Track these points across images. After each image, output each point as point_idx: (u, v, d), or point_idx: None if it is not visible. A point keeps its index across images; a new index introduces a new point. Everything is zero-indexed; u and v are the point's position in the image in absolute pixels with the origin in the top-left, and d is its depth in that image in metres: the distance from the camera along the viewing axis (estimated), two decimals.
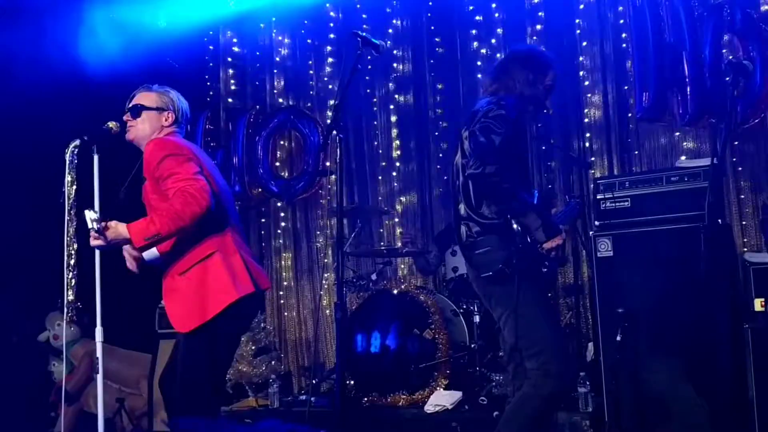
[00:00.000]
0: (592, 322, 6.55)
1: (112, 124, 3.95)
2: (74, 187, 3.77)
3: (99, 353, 3.83)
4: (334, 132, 3.85)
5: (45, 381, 8.11)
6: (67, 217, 3.77)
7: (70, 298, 3.83)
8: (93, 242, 3.63)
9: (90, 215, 3.51)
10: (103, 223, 3.55)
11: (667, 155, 6.70)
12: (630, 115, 6.89)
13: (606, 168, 6.92)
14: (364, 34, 4.07)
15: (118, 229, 3.62)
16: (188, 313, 3.78)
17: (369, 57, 4.26)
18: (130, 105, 4.04)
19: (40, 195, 7.55)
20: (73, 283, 3.79)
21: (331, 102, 8.21)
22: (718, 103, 6.16)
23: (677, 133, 6.66)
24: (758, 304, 4.55)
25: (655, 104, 6.42)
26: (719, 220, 4.71)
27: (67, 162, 3.76)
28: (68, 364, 8.02)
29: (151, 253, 3.78)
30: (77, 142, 3.78)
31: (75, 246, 3.86)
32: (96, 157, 3.75)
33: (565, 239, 3.87)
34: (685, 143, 6.60)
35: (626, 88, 6.93)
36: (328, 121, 7.78)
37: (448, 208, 7.37)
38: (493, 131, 3.75)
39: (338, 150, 3.75)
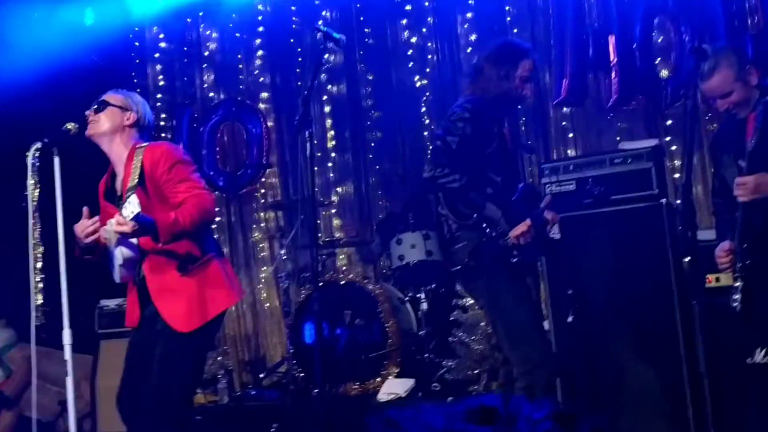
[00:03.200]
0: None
1: (70, 126, 3.89)
2: (37, 190, 3.71)
3: (68, 355, 3.74)
4: (307, 132, 3.81)
5: None
6: (31, 221, 3.70)
7: (39, 301, 3.77)
8: (118, 228, 3.57)
9: (134, 200, 3.60)
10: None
11: (601, 135, 6.82)
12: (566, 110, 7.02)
13: (542, 152, 7.00)
14: (324, 29, 4.10)
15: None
16: (190, 313, 3.84)
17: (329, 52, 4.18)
18: (98, 101, 4.05)
19: None
20: (40, 287, 3.73)
21: (264, 95, 8.23)
22: (647, 84, 6.38)
23: (610, 115, 6.79)
24: (707, 280, 4.68)
25: (574, 89, 6.59)
26: (664, 200, 4.85)
27: (29, 165, 3.69)
28: (5, 369, 7.86)
29: (129, 253, 3.75)
30: (38, 145, 3.70)
31: (41, 249, 3.79)
32: (57, 159, 3.68)
33: (531, 225, 3.91)
34: (619, 124, 6.72)
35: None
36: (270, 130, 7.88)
37: (388, 197, 7.46)
38: (450, 133, 3.91)
39: (308, 145, 3.74)
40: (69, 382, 3.76)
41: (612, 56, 6.52)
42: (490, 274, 3.87)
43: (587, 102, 6.79)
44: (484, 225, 3.88)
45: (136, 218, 3.57)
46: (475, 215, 3.91)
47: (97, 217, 3.85)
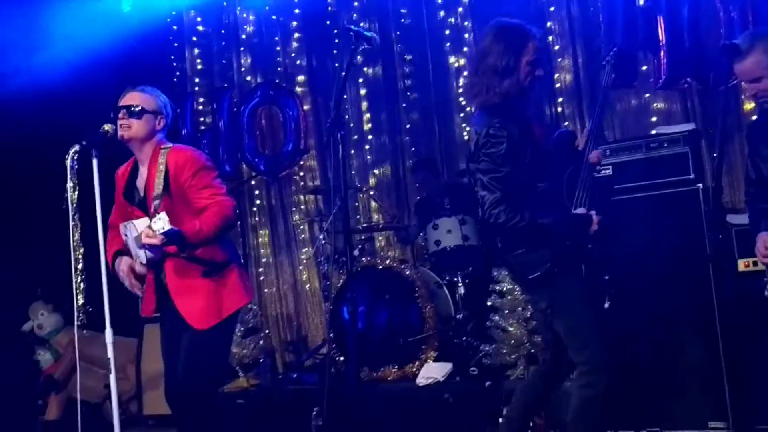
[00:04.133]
0: None
1: (108, 127, 3.99)
2: (76, 192, 3.80)
3: (110, 353, 3.85)
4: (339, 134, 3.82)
5: (31, 370, 8.13)
6: (72, 222, 3.78)
7: (80, 302, 3.87)
8: (148, 240, 3.74)
9: (164, 217, 3.66)
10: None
11: (638, 117, 6.76)
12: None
13: (579, 133, 6.95)
14: (356, 28, 4.10)
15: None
16: (208, 311, 4.05)
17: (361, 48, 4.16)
18: (128, 104, 4.11)
19: (18, 192, 7.69)
20: (82, 287, 3.82)
21: (301, 78, 8.25)
22: (695, 65, 6.22)
23: (647, 95, 6.73)
24: (742, 265, 4.64)
25: (626, 71, 6.43)
26: (700, 185, 4.81)
27: (68, 168, 3.78)
28: (53, 353, 8.06)
29: (151, 255, 3.89)
30: (76, 147, 3.81)
31: (82, 250, 3.88)
32: (95, 162, 3.76)
33: (599, 216, 3.82)
34: (655, 104, 6.65)
35: (604, 63, 6.94)
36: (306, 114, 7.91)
37: (424, 181, 7.46)
38: (494, 165, 3.70)
39: (340, 147, 3.76)
40: (112, 379, 3.85)
41: (661, 36, 6.35)
42: (567, 277, 3.75)
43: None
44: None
45: (166, 233, 3.69)
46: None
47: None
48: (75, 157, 3.81)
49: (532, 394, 4.18)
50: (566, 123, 7.03)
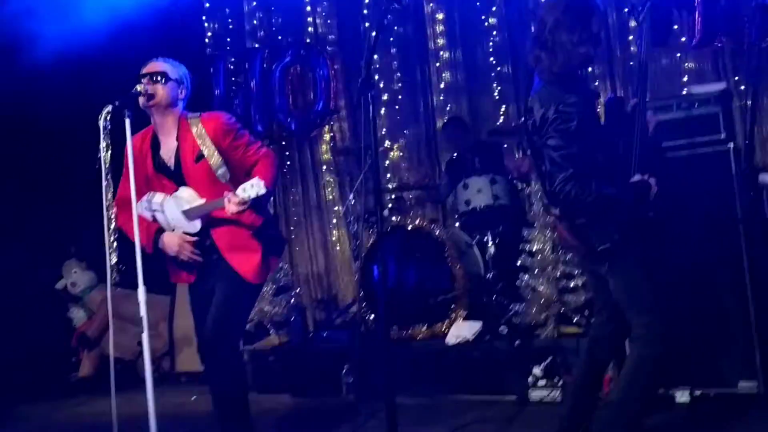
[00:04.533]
0: None
1: (140, 88, 4.04)
2: (109, 152, 3.84)
3: (143, 312, 3.91)
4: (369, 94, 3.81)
5: (65, 328, 8.28)
6: (104, 182, 3.82)
7: (113, 261, 3.93)
8: (238, 209, 3.91)
9: (259, 183, 3.80)
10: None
11: (669, 77, 6.69)
12: (630, 38, 6.88)
13: (607, 94, 6.90)
14: None
15: None
16: (261, 267, 4.22)
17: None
18: (152, 71, 4.17)
19: (52, 153, 7.79)
20: (115, 246, 3.89)
21: (332, 37, 8.22)
22: (730, 25, 6.15)
23: (678, 54, 6.65)
24: None
25: (660, 29, 6.36)
26: (731, 144, 4.76)
27: (101, 128, 3.82)
28: (87, 310, 8.18)
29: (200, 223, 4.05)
30: (109, 107, 3.83)
31: (114, 210, 3.95)
32: (128, 122, 3.79)
33: (654, 180, 3.81)
34: (686, 64, 6.60)
35: (625, 11, 6.88)
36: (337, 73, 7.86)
37: (454, 139, 7.44)
38: (563, 141, 3.68)
39: (371, 108, 3.77)
40: (144, 336, 3.97)
41: None
42: (631, 245, 3.75)
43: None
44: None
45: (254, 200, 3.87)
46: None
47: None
48: (108, 118, 3.83)
49: (591, 361, 4.17)
50: (596, 83, 6.96)
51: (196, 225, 4.09)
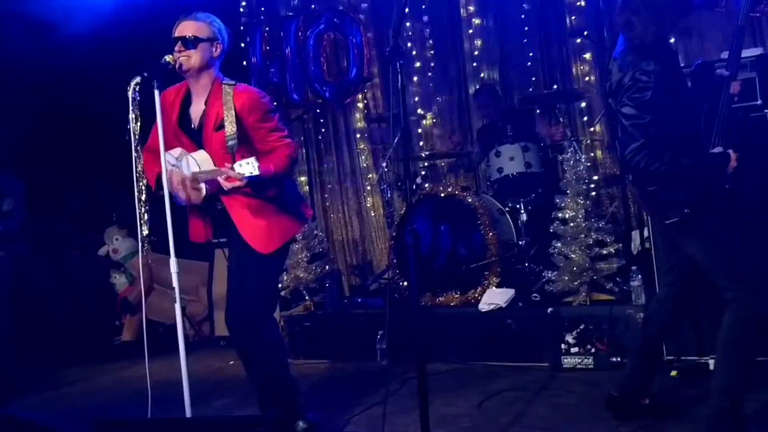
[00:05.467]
0: (637, 211, 6.66)
1: (169, 58, 3.99)
2: (138, 123, 3.86)
3: (175, 283, 3.97)
4: (398, 63, 3.76)
5: (108, 293, 8.48)
6: (134, 154, 3.86)
7: (145, 232, 3.98)
8: (231, 184, 3.86)
9: (254, 163, 3.75)
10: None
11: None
12: None
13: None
14: None
15: None
16: (270, 236, 4.18)
17: None
18: (182, 35, 4.09)
19: (89, 122, 7.90)
20: (146, 218, 3.93)
21: (364, 5, 8.20)
22: None
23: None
24: None
25: None
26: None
27: (130, 99, 3.82)
28: (128, 276, 8.34)
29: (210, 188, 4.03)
30: (138, 79, 3.81)
31: (144, 181, 3.99)
32: (157, 93, 3.80)
33: (737, 155, 3.72)
34: (723, 32, 6.48)
35: None
36: (369, 41, 7.85)
37: (486, 106, 7.40)
38: (637, 116, 3.66)
39: (399, 77, 3.74)
40: (177, 309, 4.04)
41: None
42: (704, 216, 3.70)
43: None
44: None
45: (249, 177, 3.79)
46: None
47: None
48: (137, 89, 3.84)
49: (654, 325, 4.16)
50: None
51: (202, 189, 4.03)
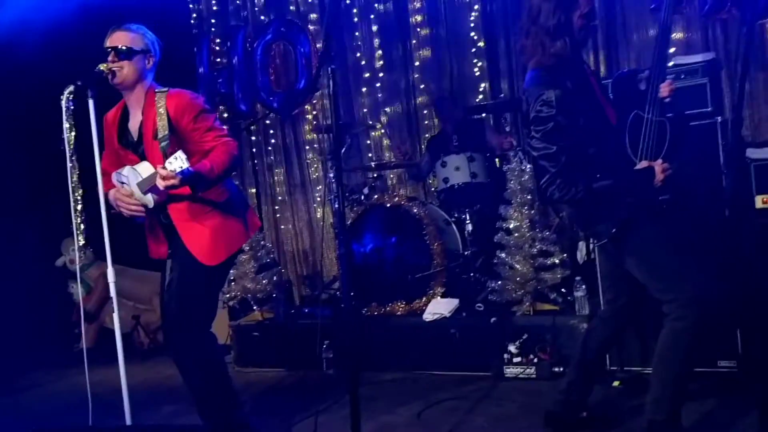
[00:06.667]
0: None
1: (104, 67, 3.95)
2: (73, 133, 3.83)
3: (112, 292, 3.95)
4: (329, 69, 3.74)
5: (65, 302, 8.62)
6: (69, 164, 3.83)
7: (81, 242, 3.95)
8: (165, 183, 3.73)
9: (182, 156, 3.65)
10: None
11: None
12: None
13: (592, 65, 6.82)
14: None
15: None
16: (215, 249, 4.16)
17: None
18: (114, 45, 4.06)
19: (42, 135, 7.81)
20: (82, 228, 3.90)
21: (314, 16, 8.21)
22: None
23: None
24: (760, 201, 4.58)
25: None
26: (719, 118, 4.71)
27: (64, 109, 3.78)
28: (86, 286, 8.36)
29: (158, 198, 3.98)
30: (71, 88, 3.78)
31: (80, 192, 3.95)
32: (91, 102, 3.77)
33: (666, 165, 3.62)
34: (674, 35, 6.46)
35: None
36: (318, 51, 7.82)
37: (449, 112, 7.38)
38: (545, 148, 3.62)
39: (331, 83, 3.73)
40: (115, 317, 4.03)
41: None
42: (636, 232, 3.66)
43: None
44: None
45: (183, 172, 3.70)
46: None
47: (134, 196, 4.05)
48: (71, 98, 3.80)
49: (596, 340, 4.15)
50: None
51: (150, 199, 4.01)
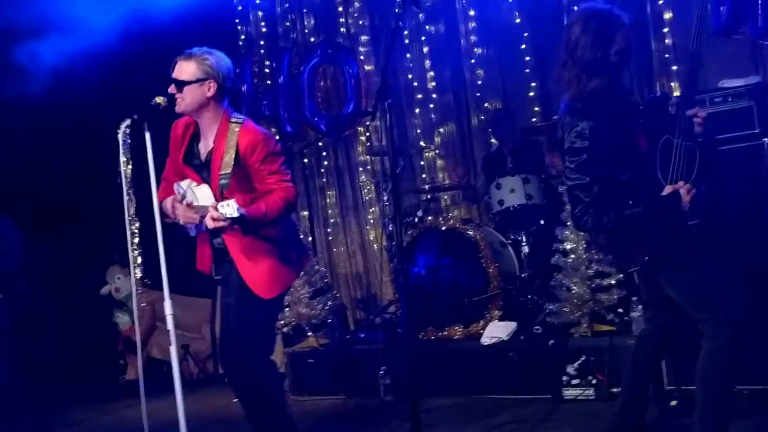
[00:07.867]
0: None
1: (159, 100, 3.96)
2: (130, 166, 3.86)
3: (170, 325, 3.95)
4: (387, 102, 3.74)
5: (111, 332, 8.49)
6: (126, 198, 3.85)
7: (138, 275, 3.96)
8: (214, 224, 3.79)
9: (234, 205, 3.69)
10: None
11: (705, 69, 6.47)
12: (666, 30, 6.70)
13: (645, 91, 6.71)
14: None
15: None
16: (272, 281, 4.17)
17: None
18: (174, 77, 4.08)
19: (91, 160, 7.92)
20: (139, 261, 3.92)
21: (364, 38, 8.21)
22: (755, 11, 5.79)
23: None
24: None
25: (733, 15, 5.89)
26: (765, 139, 4.68)
27: (120, 142, 3.81)
28: (131, 315, 8.33)
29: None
30: (128, 121, 3.80)
31: (137, 224, 3.98)
32: (148, 135, 3.80)
33: (690, 186, 3.62)
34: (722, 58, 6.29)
35: (660, 2, 6.70)
36: (366, 73, 7.88)
37: (503, 127, 7.30)
38: (579, 179, 3.66)
39: (388, 116, 3.70)
40: (173, 351, 4.10)
41: None
42: (668, 256, 3.68)
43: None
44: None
45: (232, 218, 3.74)
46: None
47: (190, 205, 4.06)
48: (127, 131, 3.84)
49: (642, 358, 4.15)
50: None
51: (197, 218, 4.02)
